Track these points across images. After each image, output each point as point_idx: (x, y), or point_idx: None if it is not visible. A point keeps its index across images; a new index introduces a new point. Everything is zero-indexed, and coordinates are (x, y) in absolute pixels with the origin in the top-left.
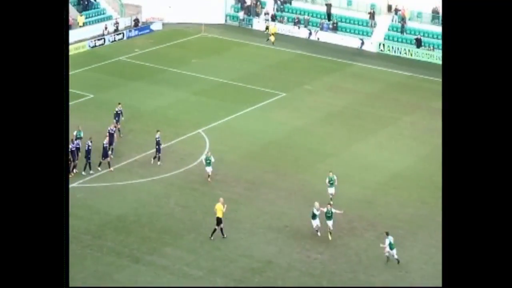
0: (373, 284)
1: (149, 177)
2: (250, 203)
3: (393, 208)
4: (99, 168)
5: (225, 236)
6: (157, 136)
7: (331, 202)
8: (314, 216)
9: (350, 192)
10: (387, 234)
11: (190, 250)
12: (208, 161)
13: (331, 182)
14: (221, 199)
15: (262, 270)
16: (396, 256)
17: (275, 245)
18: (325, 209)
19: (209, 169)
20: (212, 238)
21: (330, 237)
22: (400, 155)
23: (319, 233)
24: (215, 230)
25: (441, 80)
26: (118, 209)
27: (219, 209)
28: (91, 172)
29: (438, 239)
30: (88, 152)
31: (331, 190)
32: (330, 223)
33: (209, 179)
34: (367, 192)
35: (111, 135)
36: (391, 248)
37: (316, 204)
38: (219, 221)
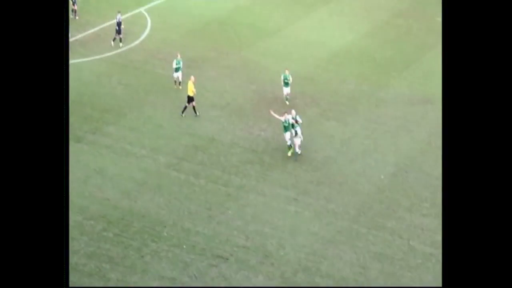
0: (314, 159)
1: (90, 56)
2: None
3: (334, 84)
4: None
5: (197, 114)
6: (118, 17)
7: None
8: (287, 128)
9: (292, 69)
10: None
11: (132, 129)
12: (178, 66)
13: (286, 81)
14: (192, 77)
15: (205, 148)
16: (289, 143)
17: (217, 122)
18: (282, 118)
19: (177, 74)
20: (183, 115)
21: (289, 154)
22: (341, 32)
23: (296, 151)
24: (185, 107)
25: None
26: None
27: (190, 87)
28: None
29: (379, 115)
30: None
31: (286, 90)
32: (290, 136)
33: (178, 86)
34: (309, 69)
35: None
36: (296, 134)
37: (293, 112)
38: (190, 99)
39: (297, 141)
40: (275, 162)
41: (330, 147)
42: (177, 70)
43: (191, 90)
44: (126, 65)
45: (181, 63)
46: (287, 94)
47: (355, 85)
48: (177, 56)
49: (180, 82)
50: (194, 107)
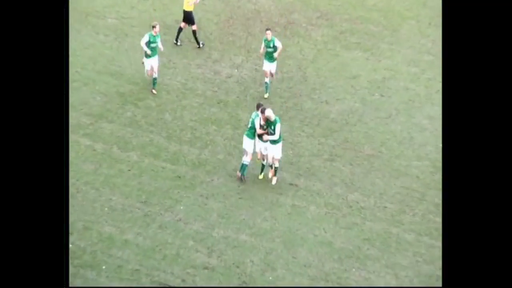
0: (325, 116)
1: None
2: None
3: None
4: None
5: (201, 45)
6: None
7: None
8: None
9: None
10: (259, 107)
11: None
12: (153, 46)
13: (269, 49)
14: None
15: (138, 97)
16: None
17: (159, 54)
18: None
19: (150, 63)
20: (179, 43)
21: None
22: None
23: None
24: (180, 30)
25: None
26: None
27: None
28: None
29: (436, 39)
30: None
31: (269, 67)
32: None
33: (152, 89)
34: None
35: None
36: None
37: (268, 112)
38: (186, 16)
39: (272, 152)
40: None
41: (352, 96)
42: (151, 53)
43: (187, 3)
44: None
45: (158, 40)
46: (270, 75)
47: None
48: (154, 27)
49: (154, 80)
50: (194, 33)
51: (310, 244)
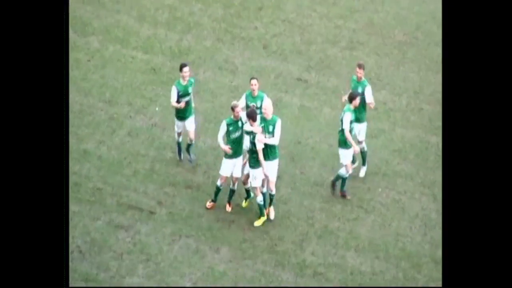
0: None
1: None
2: None
3: None
4: None
5: None
6: None
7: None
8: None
9: None
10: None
11: None
12: (234, 137)
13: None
14: None
15: None
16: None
17: None
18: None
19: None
20: None
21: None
22: None
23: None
24: None
25: None
26: None
27: None
28: None
29: None
30: None
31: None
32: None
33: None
34: None
35: None
36: None
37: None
38: None
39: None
40: None
41: None
42: (233, 151)
43: None
44: None
45: (240, 126)
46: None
47: None
48: (234, 109)
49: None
50: None
51: (323, 157)
